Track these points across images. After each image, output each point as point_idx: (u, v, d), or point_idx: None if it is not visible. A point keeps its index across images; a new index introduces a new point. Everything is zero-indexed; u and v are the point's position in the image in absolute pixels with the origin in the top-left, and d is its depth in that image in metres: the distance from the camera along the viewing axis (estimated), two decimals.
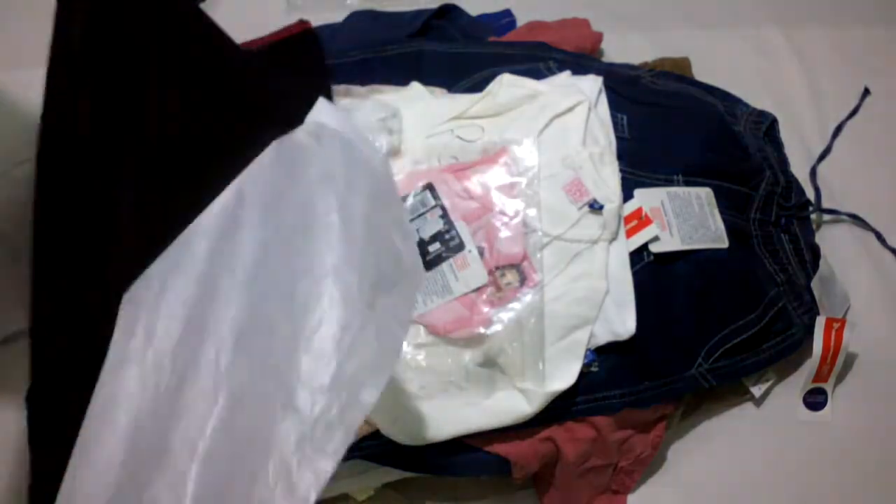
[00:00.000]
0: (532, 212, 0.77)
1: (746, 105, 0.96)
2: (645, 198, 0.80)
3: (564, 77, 0.87)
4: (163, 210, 0.54)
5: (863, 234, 0.96)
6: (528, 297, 0.75)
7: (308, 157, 0.54)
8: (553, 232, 0.77)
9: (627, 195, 0.80)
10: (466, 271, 0.75)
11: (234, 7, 1.08)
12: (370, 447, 0.74)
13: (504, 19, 1.07)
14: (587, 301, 0.75)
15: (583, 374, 0.75)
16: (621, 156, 0.81)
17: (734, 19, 1.10)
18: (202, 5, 0.83)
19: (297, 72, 0.88)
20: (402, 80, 0.88)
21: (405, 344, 0.74)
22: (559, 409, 0.75)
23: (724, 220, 0.83)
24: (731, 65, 1.05)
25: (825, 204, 0.95)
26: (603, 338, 0.76)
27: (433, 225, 0.77)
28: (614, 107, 0.85)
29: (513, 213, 0.77)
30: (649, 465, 0.83)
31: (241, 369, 0.49)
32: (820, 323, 0.84)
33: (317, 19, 1.03)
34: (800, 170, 0.96)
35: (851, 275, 0.92)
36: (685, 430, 0.87)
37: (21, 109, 0.85)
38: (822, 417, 0.87)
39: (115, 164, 0.54)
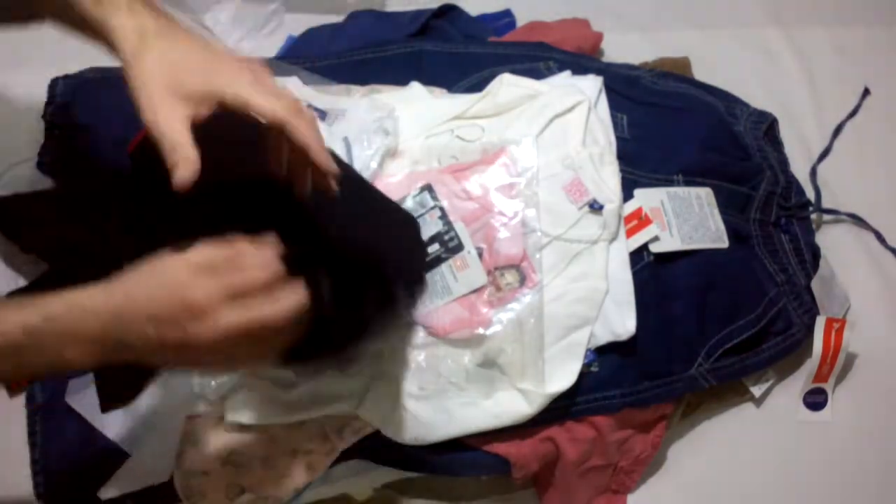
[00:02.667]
0: (531, 212, 0.77)
1: (746, 105, 0.96)
2: (645, 198, 0.80)
3: (564, 77, 0.87)
4: None
5: (863, 234, 0.96)
6: (527, 297, 0.75)
7: None
8: (553, 232, 0.77)
9: (627, 195, 0.80)
10: (466, 272, 0.75)
11: (236, 8, 1.08)
12: (370, 447, 0.75)
13: (504, 19, 1.07)
14: (587, 301, 0.75)
15: (583, 374, 0.75)
16: (621, 156, 0.81)
17: (734, 19, 1.10)
18: (201, 6, 0.83)
19: None
20: (402, 80, 0.88)
21: (406, 344, 0.74)
22: (559, 409, 0.75)
23: (724, 220, 0.83)
24: (731, 65, 1.05)
25: (825, 204, 0.95)
26: (603, 338, 0.76)
27: (432, 226, 0.77)
28: (614, 107, 0.85)
29: (512, 213, 0.77)
30: (649, 465, 0.83)
31: None
32: (820, 323, 0.84)
33: (317, 19, 1.03)
34: (800, 170, 0.96)
35: (851, 275, 0.92)
36: (685, 430, 0.87)
37: (21, 110, 0.85)
38: (822, 417, 0.87)
39: None
